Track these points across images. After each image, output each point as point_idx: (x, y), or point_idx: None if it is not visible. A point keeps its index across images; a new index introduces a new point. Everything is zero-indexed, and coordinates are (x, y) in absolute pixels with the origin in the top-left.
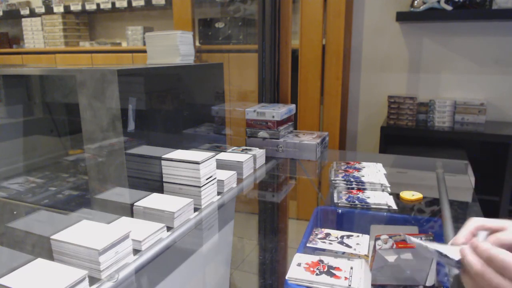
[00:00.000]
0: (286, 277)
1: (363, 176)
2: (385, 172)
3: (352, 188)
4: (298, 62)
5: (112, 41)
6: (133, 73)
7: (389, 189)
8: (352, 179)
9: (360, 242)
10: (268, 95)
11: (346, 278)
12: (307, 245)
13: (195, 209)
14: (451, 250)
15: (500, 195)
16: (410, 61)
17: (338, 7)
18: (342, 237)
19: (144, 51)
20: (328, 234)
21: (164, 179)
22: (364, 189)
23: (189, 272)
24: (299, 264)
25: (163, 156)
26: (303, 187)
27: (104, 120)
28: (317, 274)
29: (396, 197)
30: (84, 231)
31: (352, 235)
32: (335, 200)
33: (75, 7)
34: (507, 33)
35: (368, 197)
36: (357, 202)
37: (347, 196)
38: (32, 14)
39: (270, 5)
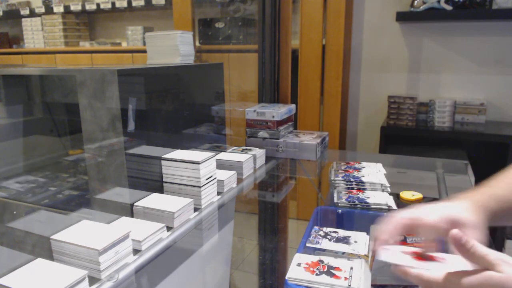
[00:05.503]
0: (286, 277)
1: (363, 176)
2: (385, 172)
3: (352, 188)
4: (298, 62)
5: (112, 41)
6: (133, 73)
7: (389, 189)
8: (352, 179)
9: (360, 242)
10: (268, 95)
11: (346, 278)
12: (307, 245)
13: (195, 209)
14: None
15: None
16: (410, 61)
17: (338, 7)
18: (342, 237)
19: (144, 51)
20: (328, 234)
21: (164, 179)
22: (364, 189)
23: (189, 272)
24: (299, 264)
25: (163, 156)
26: (303, 187)
27: (104, 120)
28: (317, 274)
29: (396, 197)
30: (84, 231)
31: (352, 235)
32: (335, 200)
33: (75, 7)
34: (507, 33)
35: (368, 197)
36: (357, 202)
37: (347, 196)
38: (32, 14)
39: (270, 5)
